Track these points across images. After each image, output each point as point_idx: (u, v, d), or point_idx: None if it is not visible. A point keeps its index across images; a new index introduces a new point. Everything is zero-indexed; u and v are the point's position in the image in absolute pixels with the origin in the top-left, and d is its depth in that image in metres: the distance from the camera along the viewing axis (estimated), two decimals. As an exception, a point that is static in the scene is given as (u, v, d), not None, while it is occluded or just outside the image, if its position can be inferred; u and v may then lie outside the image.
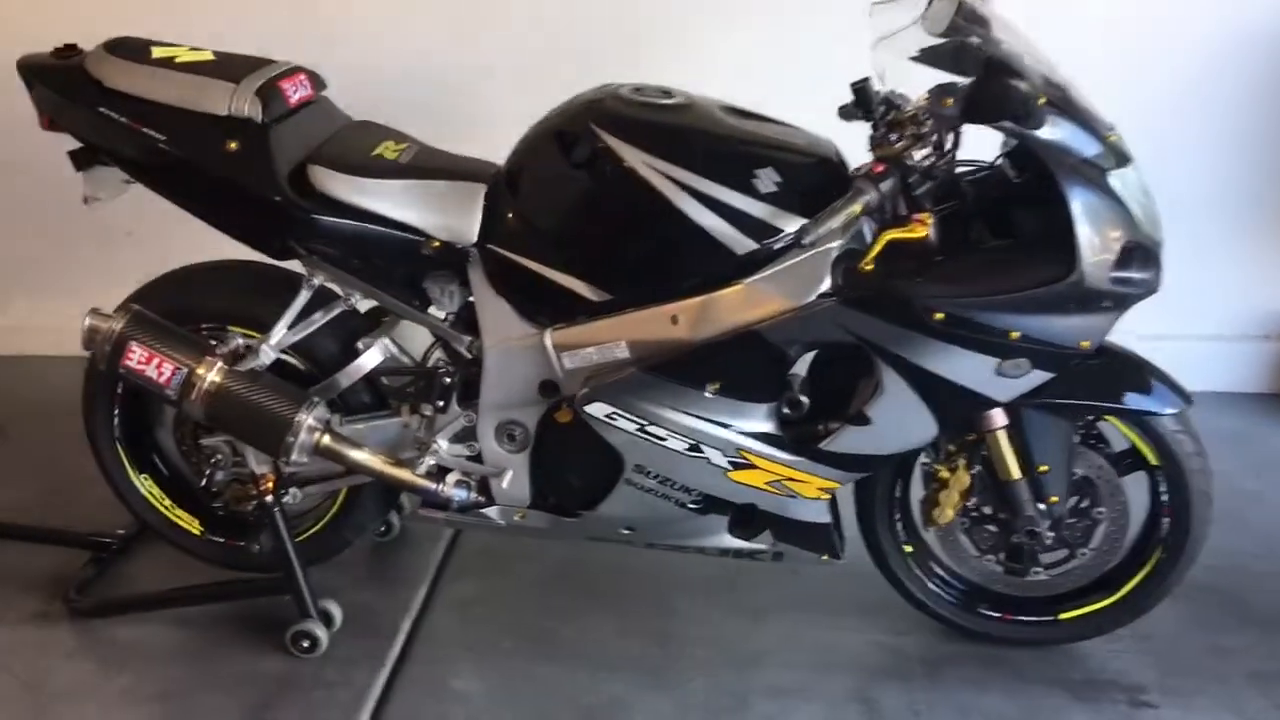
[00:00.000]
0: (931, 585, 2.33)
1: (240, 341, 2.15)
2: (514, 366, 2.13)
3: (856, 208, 1.80)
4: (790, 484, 2.07)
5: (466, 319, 2.19)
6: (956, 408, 1.98)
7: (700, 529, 2.20)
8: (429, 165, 2.17)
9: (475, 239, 2.09)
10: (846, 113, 2.01)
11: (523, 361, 2.12)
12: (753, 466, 2.05)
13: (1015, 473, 2.10)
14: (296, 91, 2.15)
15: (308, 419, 2.11)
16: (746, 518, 2.18)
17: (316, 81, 2.24)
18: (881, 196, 1.83)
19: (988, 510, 2.20)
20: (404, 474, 2.20)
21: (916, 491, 2.27)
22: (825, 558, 2.21)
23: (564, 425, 2.14)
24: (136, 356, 2.08)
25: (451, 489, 2.22)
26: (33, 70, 2.14)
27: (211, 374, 2.09)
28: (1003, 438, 2.08)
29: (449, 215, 2.08)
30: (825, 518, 2.17)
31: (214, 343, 2.15)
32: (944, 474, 2.13)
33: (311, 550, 2.40)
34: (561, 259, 2.05)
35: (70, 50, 2.18)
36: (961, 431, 2.09)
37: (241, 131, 2.05)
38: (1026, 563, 2.21)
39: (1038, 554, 2.20)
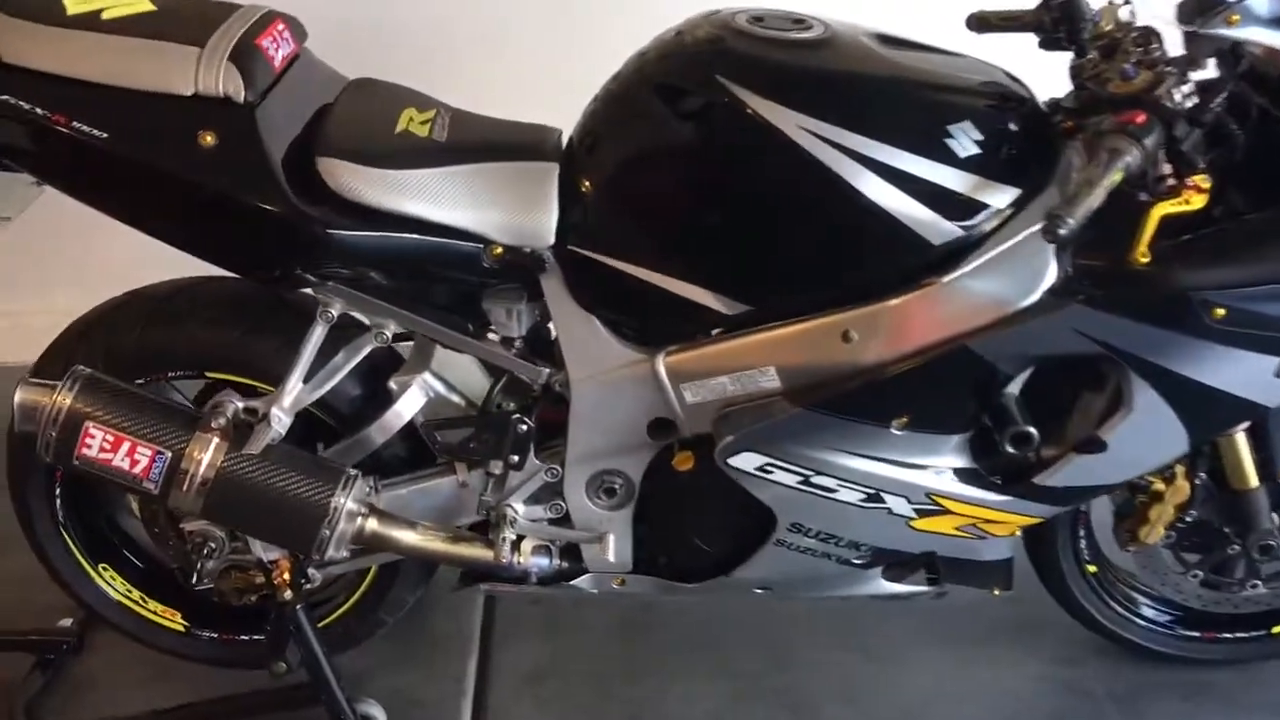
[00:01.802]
0: (1117, 607, 1.90)
1: (238, 405, 1.56)
2: (613, 403, 1.60)
3: (1117, 176, 1.30)
4: (986, 526, 1.61)
5: (541, 345, 1.64)
6: (1219, 420, 1.54)
7: (855, 580, 1.73)
8: (475, 141, 1.59)
9: (551, 239, 1.52)
10: (1048, 39, 1.50)
11: (625, 396, 1.59)
12: (944, 512, 1.57)
13: (1253, 481, 1.67)
14: (279, 48, 1.54)
15: (346, 502, 1.55)
16: (907, 561, 1.72)
17: (297, 30, 1.62)
18: (1145, 157, 1.32)
19: (1198, 522, 1.77)
20: (476, 552, 1.67)
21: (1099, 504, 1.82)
22: (997, 591, 1.76)
23: (683, 474, 1.63)
24: (98, 442, 1.49)
25: (530, 559, 1.69)
26: None
27: (207, 456, 1.51)
28: (1242, 442, 1.65)
29: (514, 210, 1.52)
30: (1008, 553, 1.72)
31: (203, 409, 1.56)
32: (1158, 486, 1.69)
33: (338, 638, 1.86)
34: (678, 260, 1.52)
35: None
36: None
37: (218, 118, 1.44)
38: (1246, 577, 1.80)
39: (1260, 568, 1.79)
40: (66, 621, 2.10)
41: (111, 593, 1.87)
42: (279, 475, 1.53)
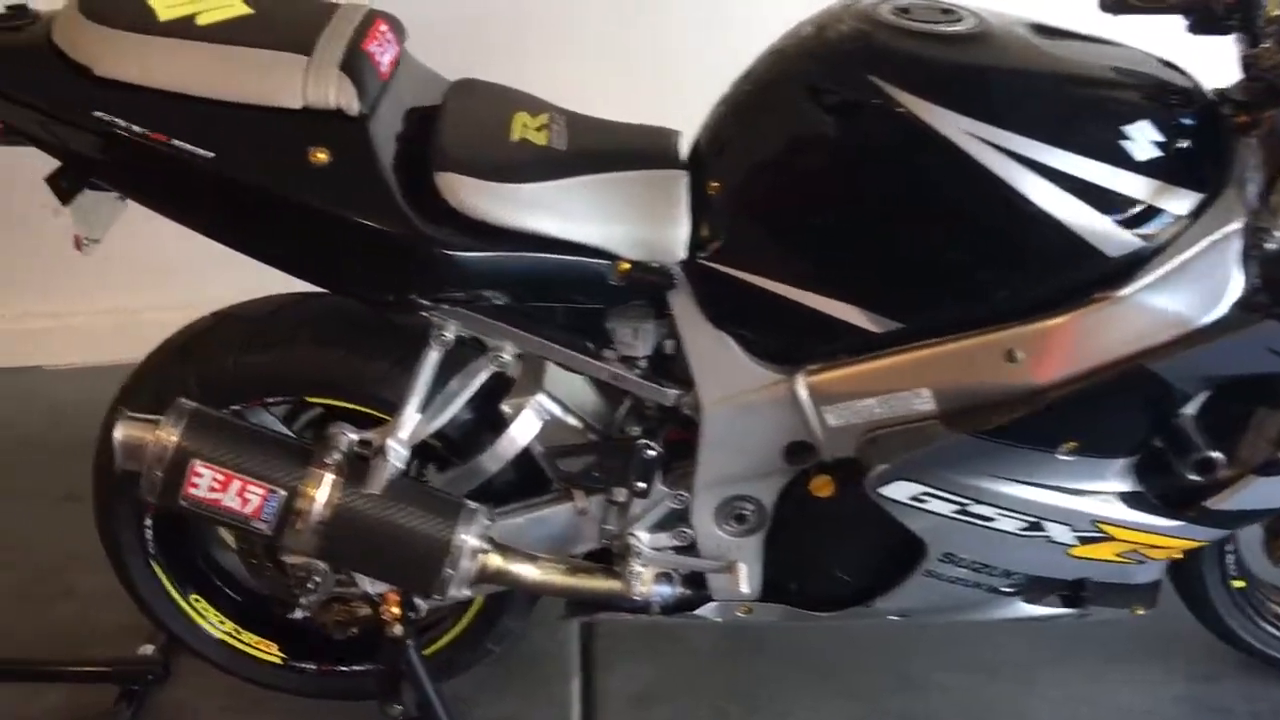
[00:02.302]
0: (1265, 624, 1.80)
1: (352, 438, 1.45)
2: (747, 426, 1.49)
3: None
4: (1149, 551, 1.50)
5: (667, 365, 1.53)
6: None
7: (995, 605, 1.62)
8: (597, 149, 1.48)
9: (682, 254, 1.41)
10: (1204, 23, 1.37)
11: (760, 419, 1.48)
12: (1106, 539, 1.46)
13: None
14: (385, 52, 1.42)
15: (468, 539, 1.45)
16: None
17: (398, 30, 1.50)
18: None
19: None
20: (601, 584, 1.57)
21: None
22: (1140, 610, 1.65)
23: (822, 500, 1.52)
24: (206, 481, 1.39)
25: (652, 587, 1.59)
26: None
27: (323, 494, 1.41)
28: None
29: (643, 223, 1.41)
30: (1159, 575, 1.61)
31: (319, 443, 1.45)
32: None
33: (441, 666, 1.77)
34: (822, 275, 1.41)
35: (19, 14, 1.40)
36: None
37: (330, 133, 1.33)
38: None
39: None
40: (147, 648, 2.01)
41: (204, 625, 1.77)
42: (398, 512, 1.43)
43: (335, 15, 1.43)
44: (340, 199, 1.32)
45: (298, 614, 1.66)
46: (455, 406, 1.48)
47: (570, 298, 1.45)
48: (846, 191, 1.38)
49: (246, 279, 2.38)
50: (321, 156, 1.31)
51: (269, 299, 1.63)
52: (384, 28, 1.46)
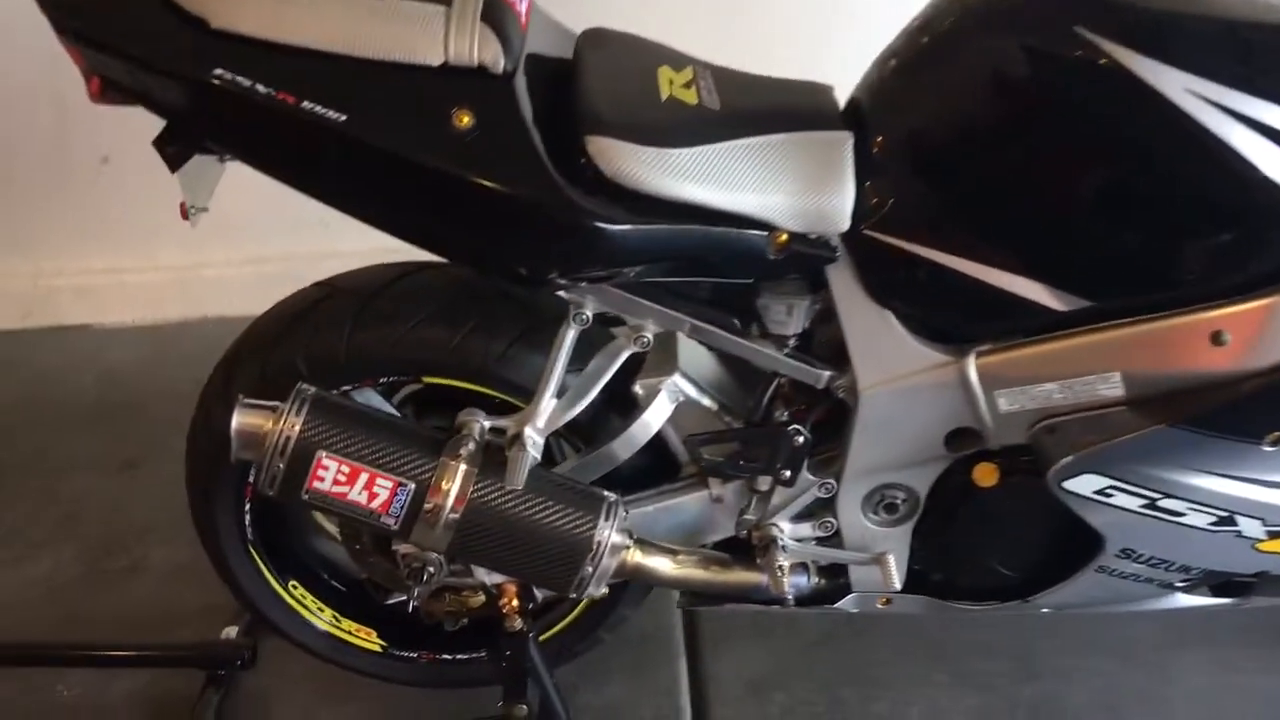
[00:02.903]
0: None
1: (485, 425, 1.33)
2: (907, 411, 1.38)
3: None
4: (1336, 543, 1.38)
5: (820, 344, 1.41)
6: None
7: (1158, 598, 1.51)
8: (752, 108, 1.35)
9: (846, 223, 1.28)
10: None
11: (922, 403, 1.36)
12: (1297, 532, 1.35)
13: None
14: (521, 1, 1.28)
15: (609, 534, 1.34)
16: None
17: (526, -26, 1.36)
18: None
19: None
20: (743, 578, 1.47)
21: None
22: None
23: (985, 490, 1.41)
24: (331, 474, 1.28)
25: (788, 578, 1.48)
26: (67, 4, 1.21)
27: (455, 487, 1.29)
28: None
29: (805, 191, 1.28)
30: None
31: (451, 432, 1.34)
32: None
33: (552, 654, 1.67)
34: (1002, 247, 1.28)
35: None
36: None
37: (473, 93, 1.19)
38: None
39: None
40: (231, 631, 1.92)
41: (304, 613, 1.67)
42: (535, 507, 1.32)
43: None
44: (486, 166, 1.19)
45: (403, 602, 1.56)
46: (593, 392, 1.37)
47: (722, 272, 1.32)
48: (1039, 155, 1.25)
49: (313, 235, 2.28)
50: (465, 119, 1.18)
51: (379, 269, 1.51)
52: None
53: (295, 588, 1.66)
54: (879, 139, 1.31)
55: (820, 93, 1.40)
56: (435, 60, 1.18)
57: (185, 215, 1.33)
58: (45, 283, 2.79)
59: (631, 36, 1.45)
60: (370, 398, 1.49)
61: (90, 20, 1.19)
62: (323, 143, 1.19)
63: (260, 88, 1.16)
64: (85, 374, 2.66)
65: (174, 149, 1.24)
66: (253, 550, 1.60)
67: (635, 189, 1.23)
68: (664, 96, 1.31)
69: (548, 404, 1.34)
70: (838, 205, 1.28)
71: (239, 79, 1.16)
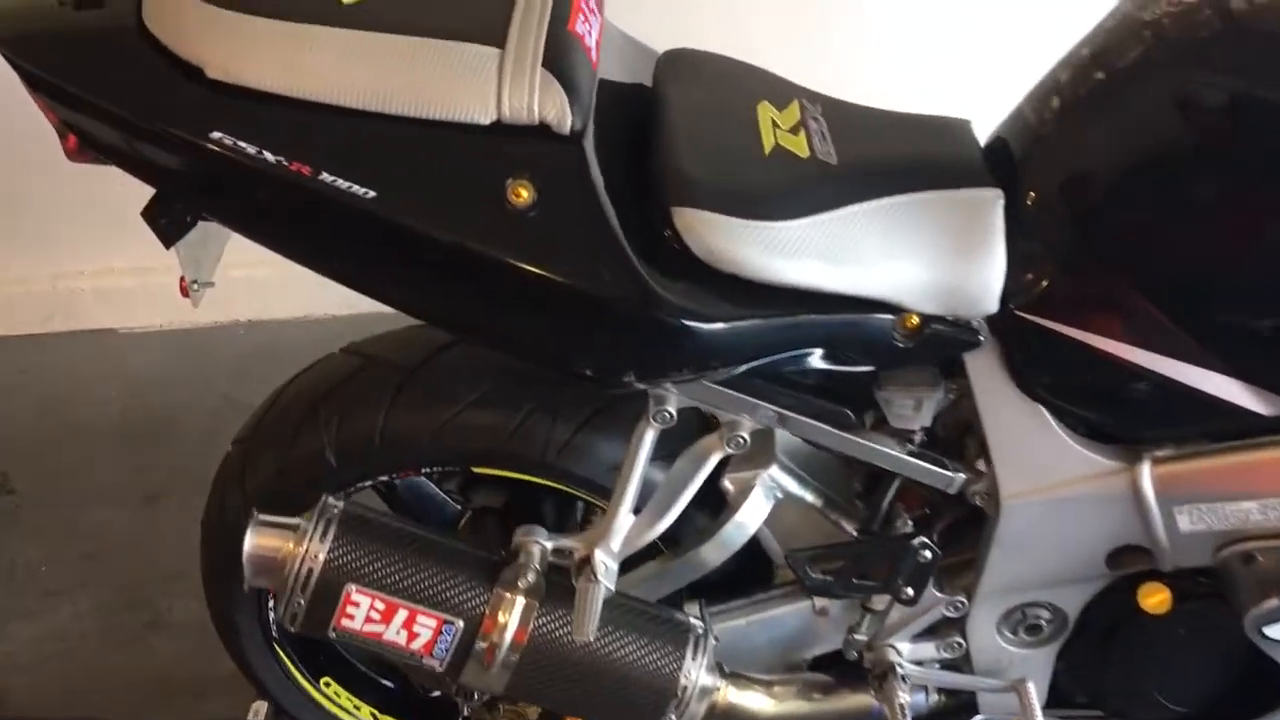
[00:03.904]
0: None
1: (546, 547, 1.10)
2: (1061, 524, 1.13)
3: None
4: None
5: (951, 440, 1.16)
6: None
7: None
8: (876, 159, 1.09)
9: (995, 304, 1.03)
10: None
11: (1080, 516, 1.12)
12: None
13: None
14: (592, 27, 1.03)
15: (698, 675, 1.11)
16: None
17: (597, -6, 1.10)
18: None
19: None
20: (852, 704, 1.24)
21: None
22: None
23: (1152, 617, 1.16)
24: (364, 611, 1.06)
25: (905, 695, 1.24)
26: (33, 47, 0.96)
27: (512, 624, 1.07)
28: None
29: (945, 264, 1.02)
30: None
31: (507, 557, 1.11)
32: None
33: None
34: (1199, 337, 1.02)
35: None
36: None
37: (534, 158, 0.94)
38: None
39: None
40: (260, 708, 1.71)
41: (338, 711, 1.46)
42: (609, 643, 1.10)
43: None
44: (548, 252, 0.95)
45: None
46: (678, 506, 1.13)
47: (835, 362, 1.07)
48: (1260, 228, 0.98)
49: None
50: (523, 193, 0.93)
51: (418, 334, 1.27)
52: (581, -6, 1.06)
53: (328, 684, 1.45)
54: (1038, 198, 1.05)
55: (957, 133, 1.13)
56: (485, 118, 0.93)
57: (185, 292, 1.10)
58: (66, 284, 2.58)
59: (722, 60, 1.19)
60: (419, 485, 1.27)
61: (65, 71, 0.95)
62: (347, 223, 0.94)
63: (268, 155, 0.92)
64: (109, 383, 2.46)
65: (166, 221, 1.00)
66: (278, 648, 1.39)
67: (734, 273, 0.98)
68: (768, 147, 1.05)
69: (624, 520, 1.11)
70: (985, 282, 1.02)
71: (241, 144, 0.92)
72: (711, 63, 1.17)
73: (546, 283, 0.95)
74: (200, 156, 0.93)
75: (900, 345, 1.05)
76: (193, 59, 0.93)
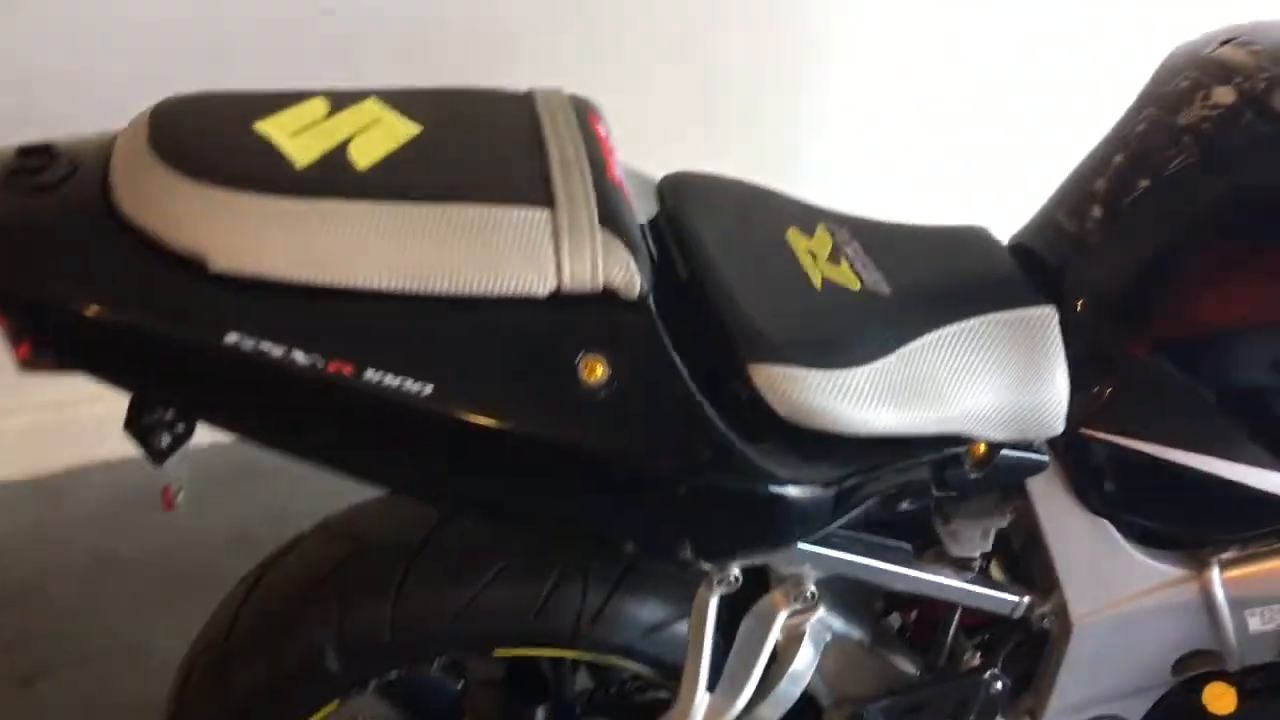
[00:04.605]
0: None
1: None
2: (1129, 638, 1.10)
3: None
4: None
5: (1008, 563, 1.11)
6: None
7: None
8: (921, 282, 1.03)
9: (1062, 425, 0.98)
10: None
11: (1149, 627, 1.09)
12: None
13: None
14: (619, 166, 0.94)
15: None
16: None
17: (602, 119, 1.01)
18: None
19: None
20: None
21: None
22: None
23: (1218, 717, 1.13)
24: None
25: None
26: None
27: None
28: None
29: (1010, 390, 0.97)
30: None
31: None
32: None
33: None
34: (1266, 440, 0.99)
35: (43, 157, 0.85)
36: None
37: (604, 329, 0.84)
38: None
39: None
40: None
41: None
42: None
43: (541, 115, 0.93)
44: (629, 429, 0.85)
45: None
46: (755, 674, 1.03)
47: (906, 500, 1.00)
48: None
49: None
50: (598, 370, 0.83)
51: (410, 506, 1.14)
52: (598, 123, 0.97)
53: None
54: (1091, 309, 1.01)
55: (985, 244, 1.09)
56: (544, 289, 0.82)
57: (171, 504, 0.93)
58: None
59: (728, 183, 1.11)
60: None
61: (27, 271, 0.79)
62: (398, 421, 0.81)
63: (299, 356, 0.78)
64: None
65: (163, 440, 0.84)
66: None
67: (817, 428, 0.90)
68: (817, 282, 0.98)
69: (701, 701, 1.00)
70: (1052, 403, 0.97)
71: (264, 346, 0.78)
72: (719, 187, 1.09)
73: (625, 461, 0.85)
74: (213, 365, 0.79)
75: (971, 476, 0.99)
76: (190, 249, 0.79)
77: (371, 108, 0.91)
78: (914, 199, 2.35)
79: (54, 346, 0.81)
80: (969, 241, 1.08)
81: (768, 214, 1.06)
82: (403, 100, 0.94)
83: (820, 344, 0.91)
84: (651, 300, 0.86)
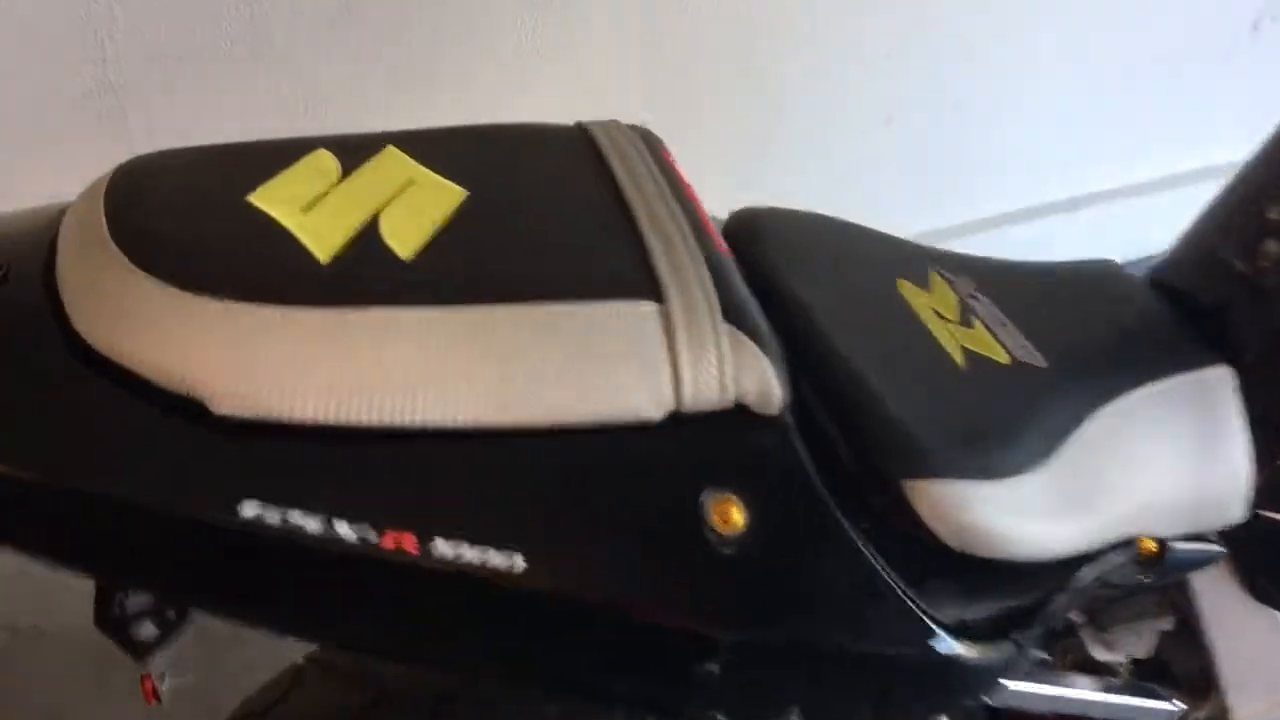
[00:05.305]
0: None
1: None
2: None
3: None
4: None
5: (1154, 664, 0.94)
6: None
7: None
8: (1075, 344, 0.84)
9: (1244, 510, 0.81)
10: None
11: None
12: None
13: None
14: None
15: None
16: None
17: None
18: None
19: None
20: None
21: None
22: None
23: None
24: None
25: None
26: None
27: None
28: None
29: (1188, 474, 0.80)
30: None
31: None
32: None
33: None
34: None
35: None
36: None
37: (742, 458, 0.64)
38: None
39: None
40: None
41: None
42: None
43: (611, 162, 0.72)
44: (784, 600, 0.64)
45: None
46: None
47: (1064, 615, 0.82)
48: None
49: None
50: (734, 515, 0.62)
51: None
52: (671, 162, 0.76)
53: None
54: (1267, 368, 0.83)
55: (1125, 285, 0.91)
56: (658, 410, 0.61)
57: (154, 696, 0.71)
58: None
59: (803, 218, 0.91)
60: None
61: None
62: (478, 602, 0.60)
63: (344, 529, 0.57)
64: None
65: (150, 635, 0.62)
66: None
67: (989, 555, 0.71)
68: (958, 357, 0.79)
69: None
70: (1236, 486, 0.81)
71: (295, 517, 0.56)
72: (797, 226, 0.88)
73: (770, 635, 0.65)
74: (221, 544, 0.57)
75: (1138, 577, 0.81)
76: (184, 388, 0.57)
77: (395, 162, 0.69)
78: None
79: (8, 533, 0.58)
80: (1105, 282, 0.90)
81: (867, 261, 0.86)
82: (429, 147, 0.72)
83: (983, 446, 0.72)
84: (790, 414, 0.66)
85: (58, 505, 0.57)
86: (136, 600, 0.63)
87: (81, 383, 0.57)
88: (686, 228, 0.67)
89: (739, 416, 0.63)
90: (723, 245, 0.69)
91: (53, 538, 0.59)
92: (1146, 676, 0.94)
